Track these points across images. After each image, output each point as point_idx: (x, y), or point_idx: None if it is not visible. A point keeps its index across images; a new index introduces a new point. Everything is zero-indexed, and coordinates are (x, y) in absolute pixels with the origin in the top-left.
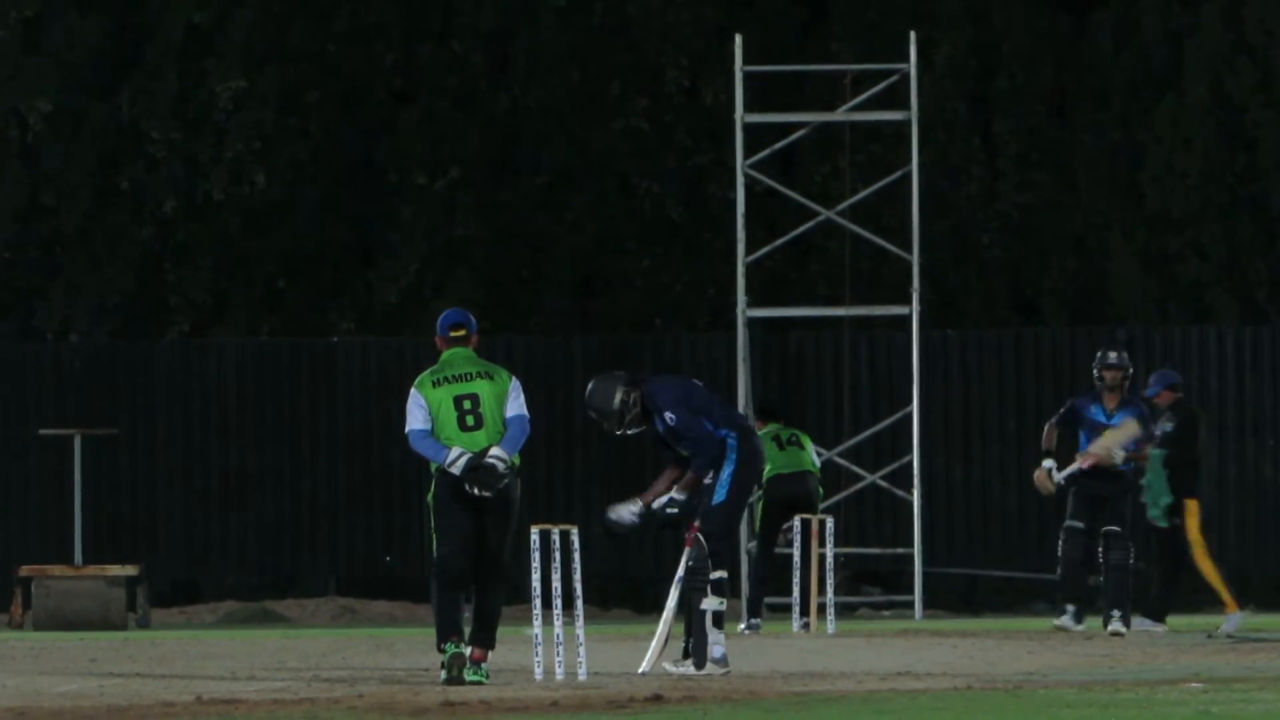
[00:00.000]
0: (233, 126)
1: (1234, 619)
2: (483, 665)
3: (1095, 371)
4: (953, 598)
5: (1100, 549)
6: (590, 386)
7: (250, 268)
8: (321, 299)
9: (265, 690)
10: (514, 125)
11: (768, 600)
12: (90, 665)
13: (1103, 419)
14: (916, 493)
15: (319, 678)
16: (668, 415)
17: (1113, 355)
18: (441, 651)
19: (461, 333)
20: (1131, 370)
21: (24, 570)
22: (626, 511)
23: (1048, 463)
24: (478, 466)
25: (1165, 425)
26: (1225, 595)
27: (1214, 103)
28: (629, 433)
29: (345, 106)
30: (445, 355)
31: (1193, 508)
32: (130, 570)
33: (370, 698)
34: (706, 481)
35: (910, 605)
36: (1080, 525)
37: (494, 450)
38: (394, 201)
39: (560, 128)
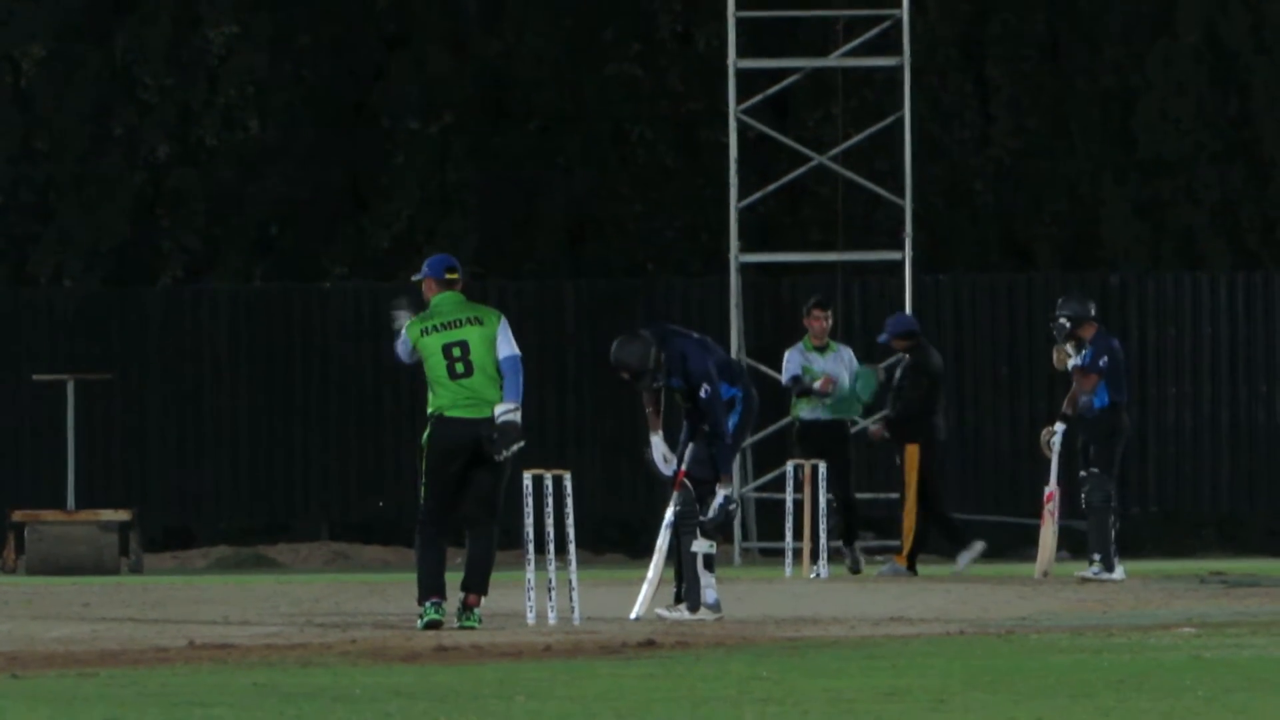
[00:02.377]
0: (225, 72)
1: (896, 567)
2: (475, 610)
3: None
4: (945, 543)
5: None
6: (618, 346)
7: (243, 213)
8: (314, 244)
9: (258, 635)
10: (507, 70)
11: (760, 545)
12: (83, 610)
13: (1076, 361)
14: None
15: (312, 623)
16: (705, 388)
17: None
18: (421, 607)
19: (456, 275)
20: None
21: (17, 515)
22: (660, 460)
23: (1059, 425)
24: (496, 429)
25: (898, 372)
26: (906, 544)
27: (1207, 47)
28: (656, 386)
29: (338, 52)
30: (435, 301)
31: (913, 454)
32: (123, 515)
33: (363, 643)
34: (704, 427)
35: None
36: (1082, 473)
37: (501, 411)
38: (387, 147)
39: (553, 73)
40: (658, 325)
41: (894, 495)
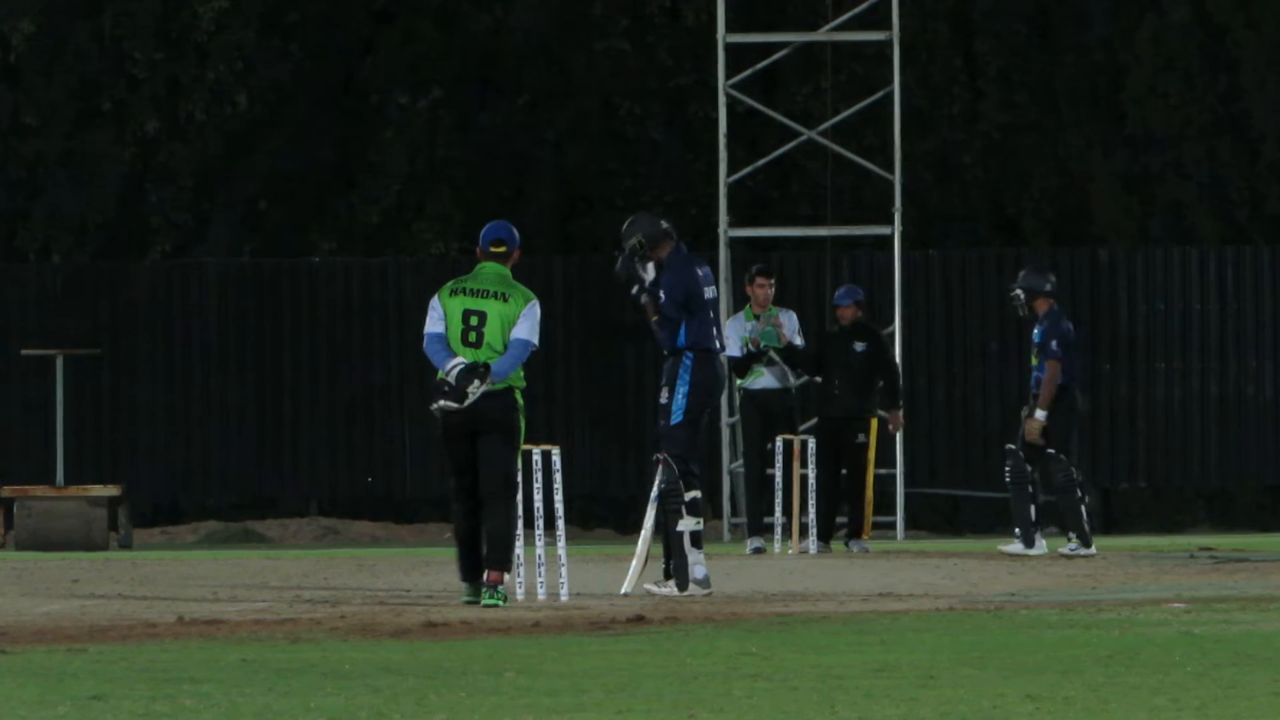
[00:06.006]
0: (215, 47)
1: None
2: (499, 588)
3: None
4: (935, 518)
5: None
6: (633, 217)
7: (232, 188)
8: (303, 219)
9: (247, 611)
10: (496, 45)
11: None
12: (72, 586)
13: (1035, 337)
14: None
15: (301, 598)
16: (661, 294)
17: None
18: (461, 584)
19: (502, 249)
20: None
21: (6, 491)
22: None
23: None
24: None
25: (857, 345)
26: (868, 518)
27: (1195, 23)
28: (639, 271)
29: (327, 27)
30: (477, 267)
31: (875, 428)
32: (112, 490)
33: (352, 618)
34: (663, 401)
35: (892, 526)
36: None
37: (489, 367)
38: (376, 122)
39: (542, 48)
40: (671, 232)
41: (882, 470)
